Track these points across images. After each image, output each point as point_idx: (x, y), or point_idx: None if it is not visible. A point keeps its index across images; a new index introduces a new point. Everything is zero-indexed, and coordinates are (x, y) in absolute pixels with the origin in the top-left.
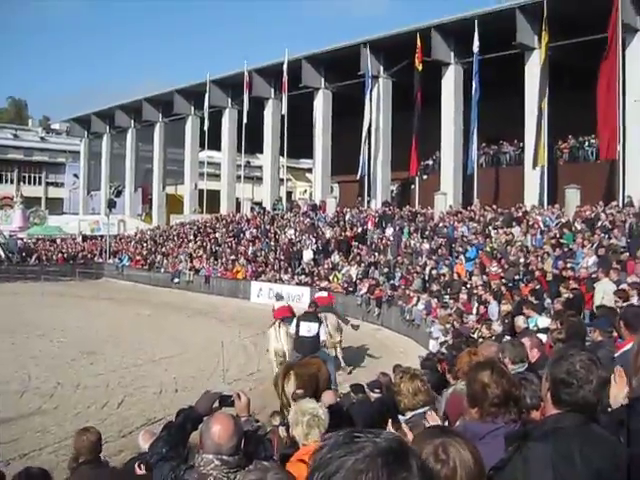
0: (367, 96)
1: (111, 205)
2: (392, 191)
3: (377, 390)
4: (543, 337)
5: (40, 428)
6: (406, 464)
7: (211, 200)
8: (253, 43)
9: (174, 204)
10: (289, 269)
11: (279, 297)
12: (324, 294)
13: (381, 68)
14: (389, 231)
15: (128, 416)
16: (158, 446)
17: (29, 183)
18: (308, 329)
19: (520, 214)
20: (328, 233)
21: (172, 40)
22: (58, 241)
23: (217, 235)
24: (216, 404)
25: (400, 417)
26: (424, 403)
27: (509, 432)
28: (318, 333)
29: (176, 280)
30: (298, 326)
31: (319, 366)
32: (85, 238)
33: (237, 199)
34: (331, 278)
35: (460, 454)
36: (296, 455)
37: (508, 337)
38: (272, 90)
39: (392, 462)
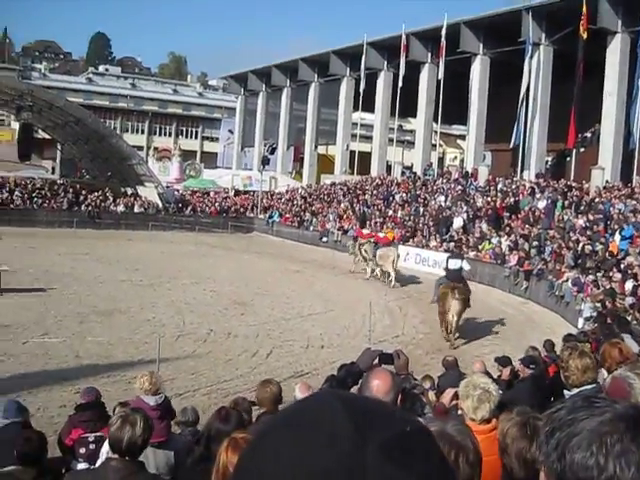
0: (526, 63)
1: (264, 162)
2: (547, 162)
3: (532, 366)
4: None
5: (193, 371)
6: None
7: (362, 162)
8: (412, 6)
9: (325, 164)
10: (437, 236)
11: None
12: (381, 235)
13: (543, 35)
14: (542, 203)
15: (276, 367)
16: None
17: (186, 137)
18: (454, 264)
19: None
20: (479, 202)
21: (330, 1)
22: (212, 194)
23: (366, 197)
24: (376, 361)
25: (566, 392)
26: (592, 380)
27: None
28: (461, 267)
29: (324, 239)
30: (447, 262)
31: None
32: (237, 192)
33: (388, 162)
34: (480, 247)
35: None
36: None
37: None
38: (429, 54)
39: (633, 427)
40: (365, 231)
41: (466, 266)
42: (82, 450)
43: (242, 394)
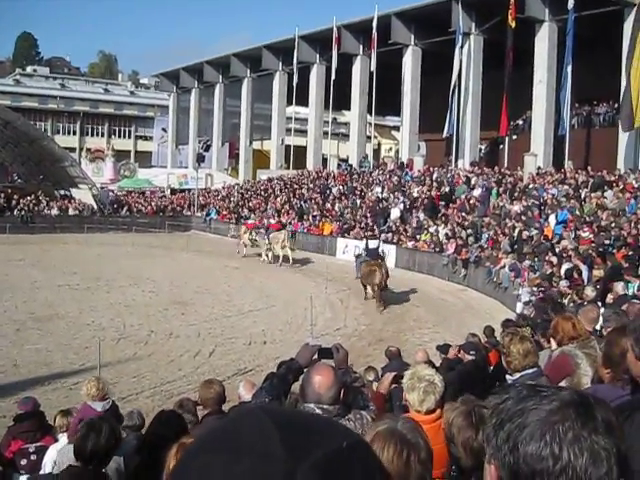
0: (457, 53)
1: (200, 159)
2: (480, 150)
3: (472, 352)
4: None
5: (136, 374)
6: (592, 415)
7: (298, 156)
8: None
9: (260, 159)
10: (375, 227)
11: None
12: (272, 221)
13: (473, 25)
14: (477, 191)
15: (219, 365)
16: (261, 396)
17: (119, 136)
18: (373, 244)
19: (613, 178)
20: (415, 192)
21: None
22: (147, 193)
23: (303, 191)
24: (315, 356)
25: (508, 377)
26: (533, 364)
27: (622, 402)
28: (378, 246)
29: None
30: (367, 243)
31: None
32: (173, 191)
33: (323, 155)
34: (419, 237)
35: None
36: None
37: (599, 304)
38: (361, 46)
39: (583, 413)
40: (250, 221)
41: (382, 247)
42: (23, 462)
43: (186, 395)
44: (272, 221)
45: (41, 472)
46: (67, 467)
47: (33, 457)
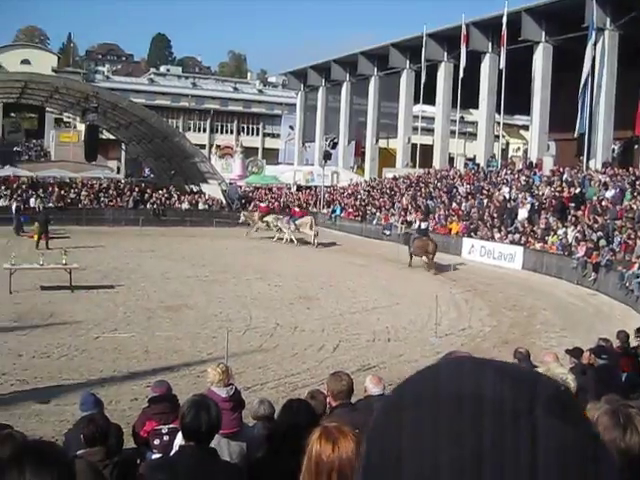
0: (589, 50)
1: (326, 157)
2: (613, 150)
3: (604, 356)
4: None
5: (261, 365)
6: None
7: (424, 155)
8: None
9: (386, 157)
10: (502, 227)
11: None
12: (297, 209)
13: (607, 20)
14: (609, 193)
15: (343, 360)
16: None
17: (247, 134)
18: (424, 225)
19: None
20: (544, 192)
21: None
22: (274, 190)
23: (430, 190)
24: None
25: None
26: None
27: None
28: (427, 227)
29: (387, 232)
30: (420, 224)
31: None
32: (300, 188)
33: (450, 154)
34: (548, 239)
35: None
36: None
37: None
38: (490, 44)
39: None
40: (263, 205)
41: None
42: (156, 442)
43: (309, 387)
44: (296, 209)
45: (171, 453)
46: (179, 447)
47: (166, 438)
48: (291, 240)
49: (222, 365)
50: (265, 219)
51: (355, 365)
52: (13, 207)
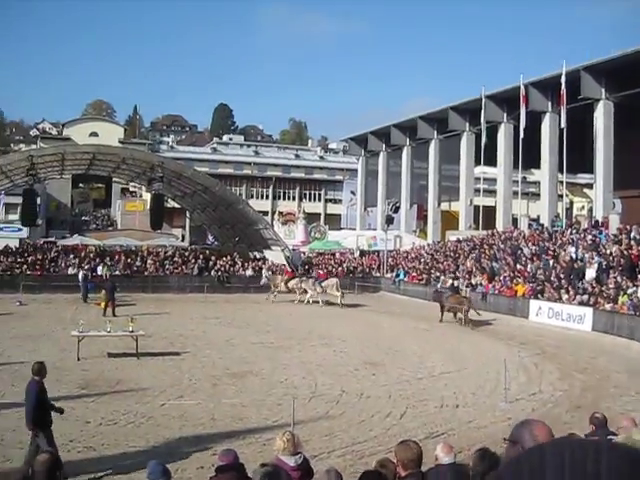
0: None
1: (389, 221)
2: None
3: None
4: None
5: (327, 432)
6: None
7: (486, 216)
8: (529, 56)
9: (449, 220)
10: (569, 288)
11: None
12: (321, 272)
13: None
14: None
15: (411, 428)
16: None
17: (309, 200)
18: (456, 283)
19: None
20: (612, 251)
21: (444, 57)
22: (337, 255)
23: (494, 251)
24: None
25: None
26: None
27: None
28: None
29: None
30: (453, 282)
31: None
32: (363, 253)
33: (513, 215)
34: (617, 299)
35: None
36: None
37: None
38: (549, 103)
39: None
40: (289, 269)
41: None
42: None
43: (376, 456)
44: (320, 272)
45: None
46: None
47: None
48: (315, 301)
49: (288, 433)
50: (289, 283)
51: (423, 432)
52: (80, 275)
